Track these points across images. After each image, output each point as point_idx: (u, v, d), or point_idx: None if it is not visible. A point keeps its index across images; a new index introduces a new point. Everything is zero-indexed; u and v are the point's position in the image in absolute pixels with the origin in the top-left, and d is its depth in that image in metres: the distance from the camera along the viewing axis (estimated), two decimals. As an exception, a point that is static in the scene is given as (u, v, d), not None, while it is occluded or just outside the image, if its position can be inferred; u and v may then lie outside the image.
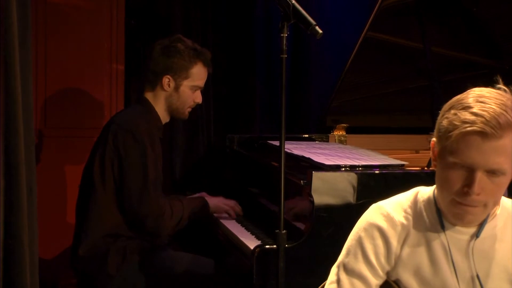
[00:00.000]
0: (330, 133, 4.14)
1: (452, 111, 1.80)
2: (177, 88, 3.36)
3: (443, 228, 1.91)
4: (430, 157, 1.94)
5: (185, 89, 3.37)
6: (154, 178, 3.20)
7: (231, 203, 3.52)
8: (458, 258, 1.90)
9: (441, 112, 1.86)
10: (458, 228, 1.90)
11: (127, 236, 3.22)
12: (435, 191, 1.93)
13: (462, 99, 1.82)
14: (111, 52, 4.19)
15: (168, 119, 3.45)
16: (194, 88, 3.40)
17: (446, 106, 1.85)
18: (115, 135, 3.21)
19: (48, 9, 4.09)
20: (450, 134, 1.78)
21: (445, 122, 1.81)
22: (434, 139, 1.88)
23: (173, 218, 3.22)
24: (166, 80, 3.34)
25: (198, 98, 3.43)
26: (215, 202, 3.47)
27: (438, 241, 1.91)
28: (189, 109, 3.45)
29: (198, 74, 3.40)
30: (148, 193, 3.16)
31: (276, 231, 2.47)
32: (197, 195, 3.61)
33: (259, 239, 3.05)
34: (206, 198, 3.45)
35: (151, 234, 3.23)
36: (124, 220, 3.21)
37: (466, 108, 1.78)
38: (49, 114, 4.13)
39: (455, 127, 1.77)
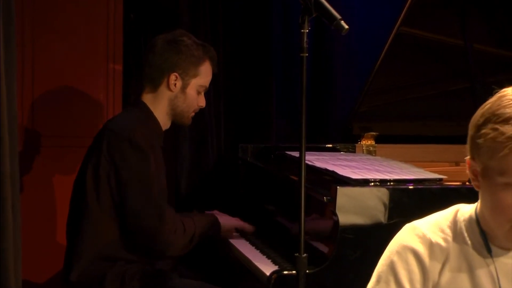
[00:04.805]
0: (357, 142, 4.15)
1: (490, 126, 1.79)
2: (184, 88, 3.38)
3: (489, 252, 1.89)
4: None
5: (192, 89, 3.40)
6: (160, 190, 3.21)
7: (239, 222, 3.55)
8: (508, 288, 1.88)
9: (472, 127, 1.84)
10: (509, 253, 1.89)
11: (126, 259, 3.22)
12: (477, 209, 1.92)
13: (498, 110, 1.79)
14: (108, 50, 4.20)
15: (168, 125, 3.46)
16: (200, 89, 3.43)
17: (479, 119, 1.83)
18: (109, 142, 3.23)
19: (36, 1, 4.10)
20: (496, 153, 1.77)
21: (484, 140, 1.79)
22: (468, 157, 1.87)
23: (186, 234, 3.23)
24: (173, 77, 3.36)
25: (202, 101, 3.48)
26: (225, 219, 3.50)
27: (484, 268, 1.89)
28: (193, 114, 3.47)
29: (206, 72, 3.45)
30: (156, 207, 3.17)
31: (296, 254, 2.46)
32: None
33: (276, 264, 3.05)
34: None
35: (160, 254, 3.24)
36: (123, 240, 3.21)
37: (507, 120, 1.77)
38: (37, 121, 4.13)
39: (501, 144, 1.76)
